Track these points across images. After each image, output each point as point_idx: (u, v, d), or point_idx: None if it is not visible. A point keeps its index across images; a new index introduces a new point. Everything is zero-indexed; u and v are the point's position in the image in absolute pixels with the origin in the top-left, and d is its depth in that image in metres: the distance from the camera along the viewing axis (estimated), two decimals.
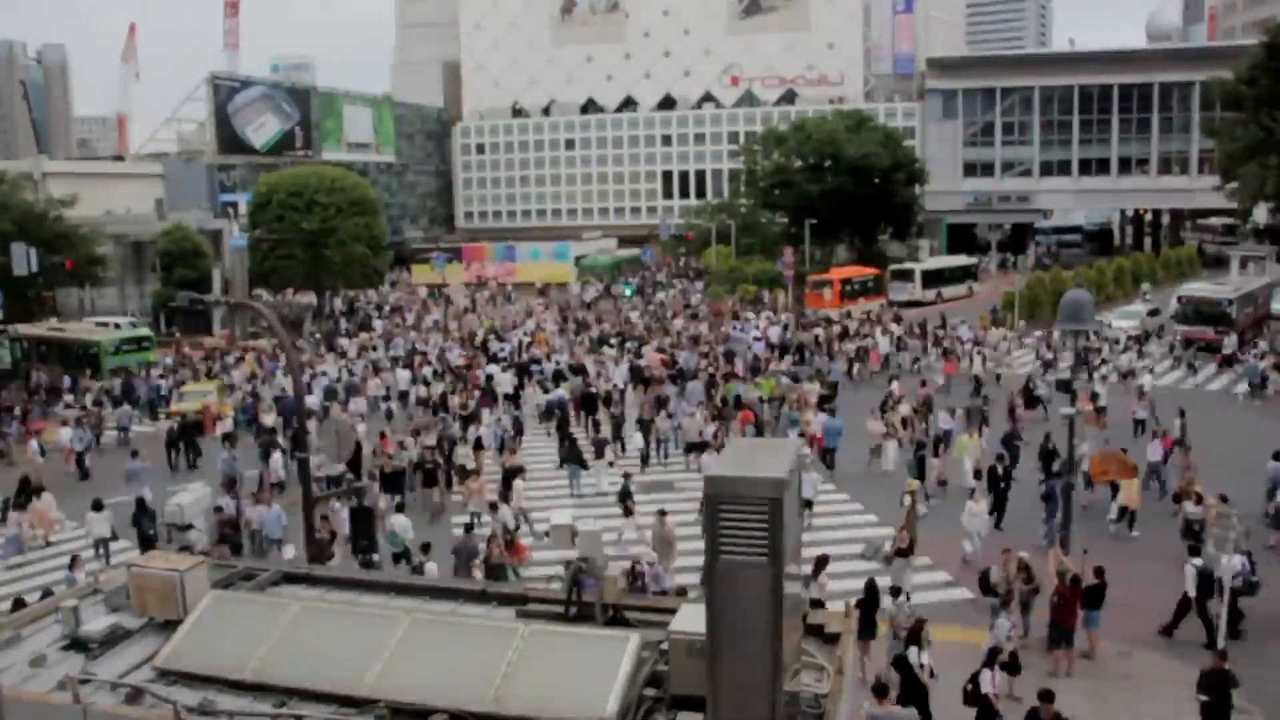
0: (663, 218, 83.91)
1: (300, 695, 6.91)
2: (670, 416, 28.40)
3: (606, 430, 28.68)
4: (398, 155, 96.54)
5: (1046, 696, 11.97)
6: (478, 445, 26.41)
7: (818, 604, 15.74)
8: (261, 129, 79.96)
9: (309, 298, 62.41)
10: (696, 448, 26.23)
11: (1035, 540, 19.62)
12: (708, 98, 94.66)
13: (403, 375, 36.15)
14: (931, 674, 13.54)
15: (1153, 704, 13.29)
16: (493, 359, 39.40)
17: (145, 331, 46.50)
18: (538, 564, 18.55)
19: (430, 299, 65.12)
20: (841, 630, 7.72)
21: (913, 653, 13.61)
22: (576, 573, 7.83)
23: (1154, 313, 46.08)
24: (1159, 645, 15.21)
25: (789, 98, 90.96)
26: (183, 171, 73.61)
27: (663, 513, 18.95)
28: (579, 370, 35.37)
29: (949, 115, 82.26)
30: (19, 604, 15.14)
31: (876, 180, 66.05)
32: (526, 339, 44.83)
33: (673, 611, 7.12)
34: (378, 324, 55.23)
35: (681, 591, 14.69)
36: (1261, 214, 59.73)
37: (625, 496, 21.10)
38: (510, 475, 23.05)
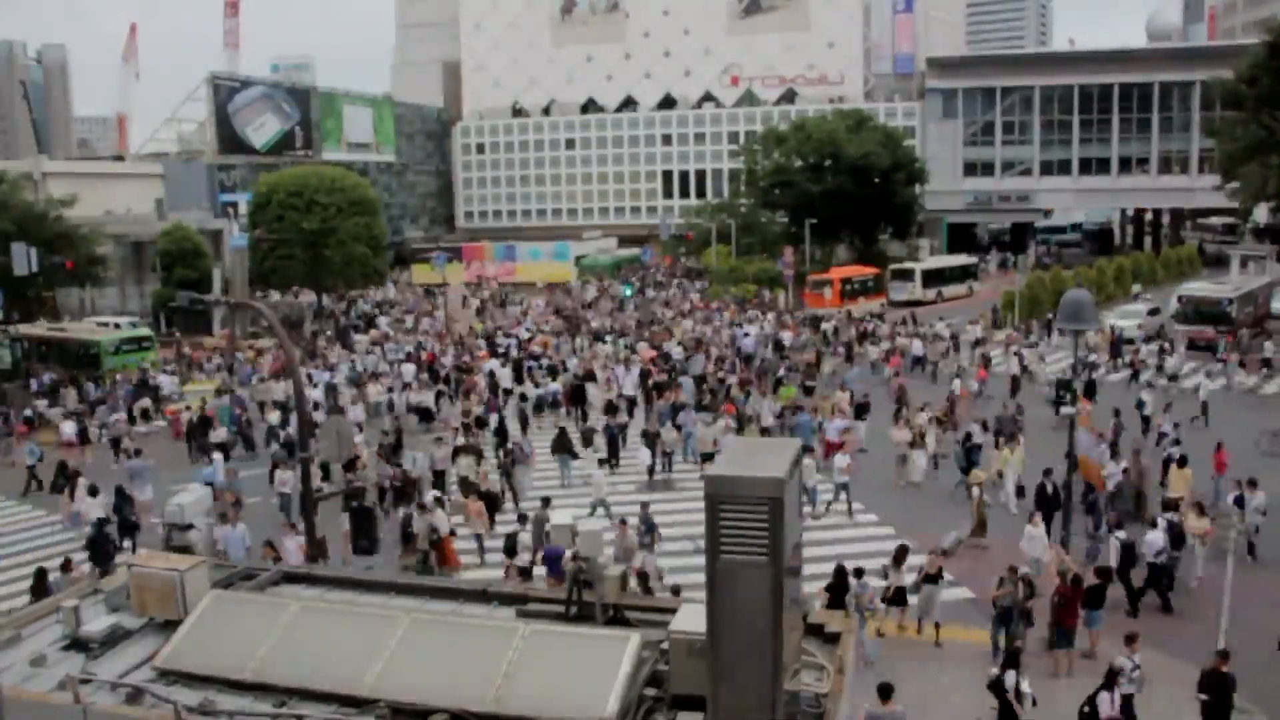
0: (663, 217, 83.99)
1: (300, 695, 6.91)
2: (679, 428, 27.17)
3: (594, 421, 28.43)
4: (398, 155, 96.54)
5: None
6: (479, 455, 24.69)
7: (900, 593, 16.08)
8: (261, 129, 79.97)
9: (309, 298, 62.47)
10: (711, 458, 24.85)
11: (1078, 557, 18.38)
12: (708, 97, 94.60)
13: (408, 369, 36.84)
14: (1034, 703, 12.56)
15: (1153, 704, 13.28)
16: (495, 354, 40.02)
17: (146, 331, 46.47)
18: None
19: (430, 298, 65.15)
20: (842, 630, 7.72)
21: (1009, 676, 12.66)
22: (577, 573, 7.85)
23: (1154, 312, 46.11)
24: (1159, 645, 15.18)
25: (789, 97, 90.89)
26: (183, 171, 73.61)
27: (624, 521, 18.63)
28: (588, 377, 34.73)
29: (949, 115, 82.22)
30: (41, 574, 17.09)
31: (876, 180, 66.14)
32: (527, 335, 45.54)
33: (673, 611, 7.12)
34: (381, 320, 55.40)
35: (676, 591, 14.73)
36: (1262, 213, 59.68)
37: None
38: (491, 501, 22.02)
